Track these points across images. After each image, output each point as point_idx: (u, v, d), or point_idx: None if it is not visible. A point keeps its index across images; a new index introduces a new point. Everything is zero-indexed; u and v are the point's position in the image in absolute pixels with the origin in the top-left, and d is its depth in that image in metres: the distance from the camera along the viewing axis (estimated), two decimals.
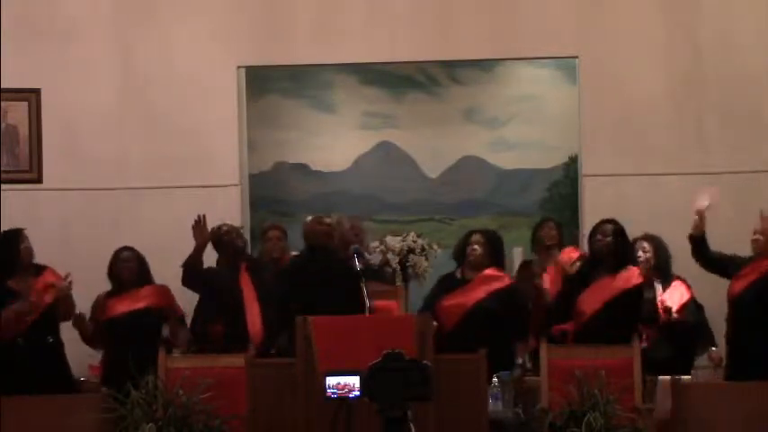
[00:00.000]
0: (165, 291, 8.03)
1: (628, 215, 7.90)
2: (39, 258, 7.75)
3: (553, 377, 6.92)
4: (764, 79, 8.95)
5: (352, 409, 5.79)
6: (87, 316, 7.87)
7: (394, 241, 8.87)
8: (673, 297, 7.88)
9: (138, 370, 6.55)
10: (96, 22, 9.16)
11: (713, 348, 7.85)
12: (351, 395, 5.73)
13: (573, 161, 9.84)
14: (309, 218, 7.93)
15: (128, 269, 7.95)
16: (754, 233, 7.51)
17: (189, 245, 8.29)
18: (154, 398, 6.36)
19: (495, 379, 6.97)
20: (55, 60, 9.08)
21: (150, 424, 6.28)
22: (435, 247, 9.04)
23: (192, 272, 7.87)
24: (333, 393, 5.77)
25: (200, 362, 6.98)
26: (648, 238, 8.03)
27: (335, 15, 9.17)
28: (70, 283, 7.61)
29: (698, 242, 7.61)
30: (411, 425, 5.58)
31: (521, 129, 10.43)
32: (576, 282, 7.61)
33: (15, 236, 7.67)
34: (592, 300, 7.43)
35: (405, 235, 9.02)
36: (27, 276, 7.64)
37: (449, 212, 10.46)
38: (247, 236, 9.30)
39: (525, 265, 8.63)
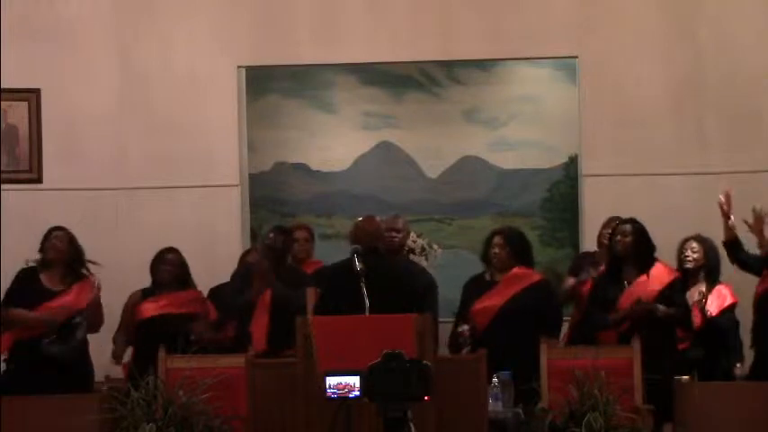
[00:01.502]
0: (202, 298, 8.08)
1: (628, 215, 7.90)
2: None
3: (553, 377, 6.92)
4: (764, 79, 8.95)
5: (352, 409, 5.79)
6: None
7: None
8: (714, 302, 7.83)
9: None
10: (96, 22, 9.16)
11: (738, 365, 7.81)
12: (351, 395, 5.73)
13: (573, 161, 9.84)
14: (360, 218, 7.69)
15: (167, 272, 7.99)
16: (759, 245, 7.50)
17: (188, 245, 8.30)
18: (154, 398, 6.36)
19: (495, 379, 6.97)
20: (55, 60, 9.08)
21: (150, 424, 6.28)
22: (435, 247, 9.04)
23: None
24: (333, 393, 5.76)
25: (200, 362, 6.97)
26: (698, 239, 7.96)
27: (336, 15, 9.17)
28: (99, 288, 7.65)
29: (732, 247, 7.57)
30: (411, 425, 5.58)
31: (521, 129, 10.41)
32: (604, 283, 7.62)
33: (48, 232, 7.72)
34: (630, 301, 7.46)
35: None
36: (60, 276, 7.67)
37: (449, 212, 10.44)
38: (247, 237, 9.32)
39: (584, 256, 8.56)
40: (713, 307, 7.78)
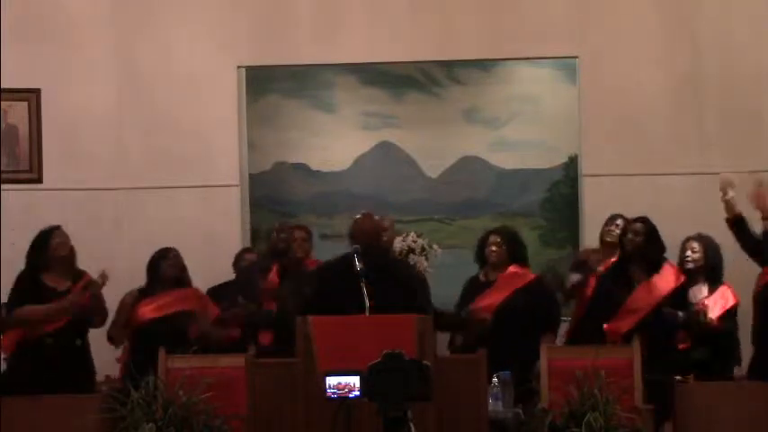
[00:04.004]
0: (199, 294, 8.06)
1: (627, 215, 7.91)
2: None
3: (553, 377, 6.91)
4: (764, 79, 8.96)
5: (352, 409, 5.79)
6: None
7: (394, 241, 8.86)
8: (717, 303, 7.77)
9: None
10: (96, 22, 9.16)
11: (736, 368, 7.77)
12: (351, 395, 5.73)
13: (573, 161, 9.85)
14: (359, 215, 7.68)
15: (171, 268, 7.96)
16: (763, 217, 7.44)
17: (188, 245, 8.30)
18: (154, 398, 6.35)
19: (495, 379, 6.97)
20: (55, 60, 9.09)
21: (150, 424, 6.27)
22: (435, 247, 9.03)
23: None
24: (333, 393, 5.76)
25: (200, 362, 6.97)
26: (698, 238, 7.91)
27: (336, 15, 9.18)
28: (104, 280, 7.60)
29: (739, 224, 7.42)
30: (411, 425, 5.58)
31: (521, 129, 10.42)
32: (609, 281, 7.61)
33: (49, 232, 7.66)
34: (642, 302, 7.45)
35: (405, 235, 9.00)
36: (64, 275, 7.63)
37: (449, 212, 10.45)
38: (247, 237, 9.32)
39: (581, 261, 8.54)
40: (716, 309, 7.75)
